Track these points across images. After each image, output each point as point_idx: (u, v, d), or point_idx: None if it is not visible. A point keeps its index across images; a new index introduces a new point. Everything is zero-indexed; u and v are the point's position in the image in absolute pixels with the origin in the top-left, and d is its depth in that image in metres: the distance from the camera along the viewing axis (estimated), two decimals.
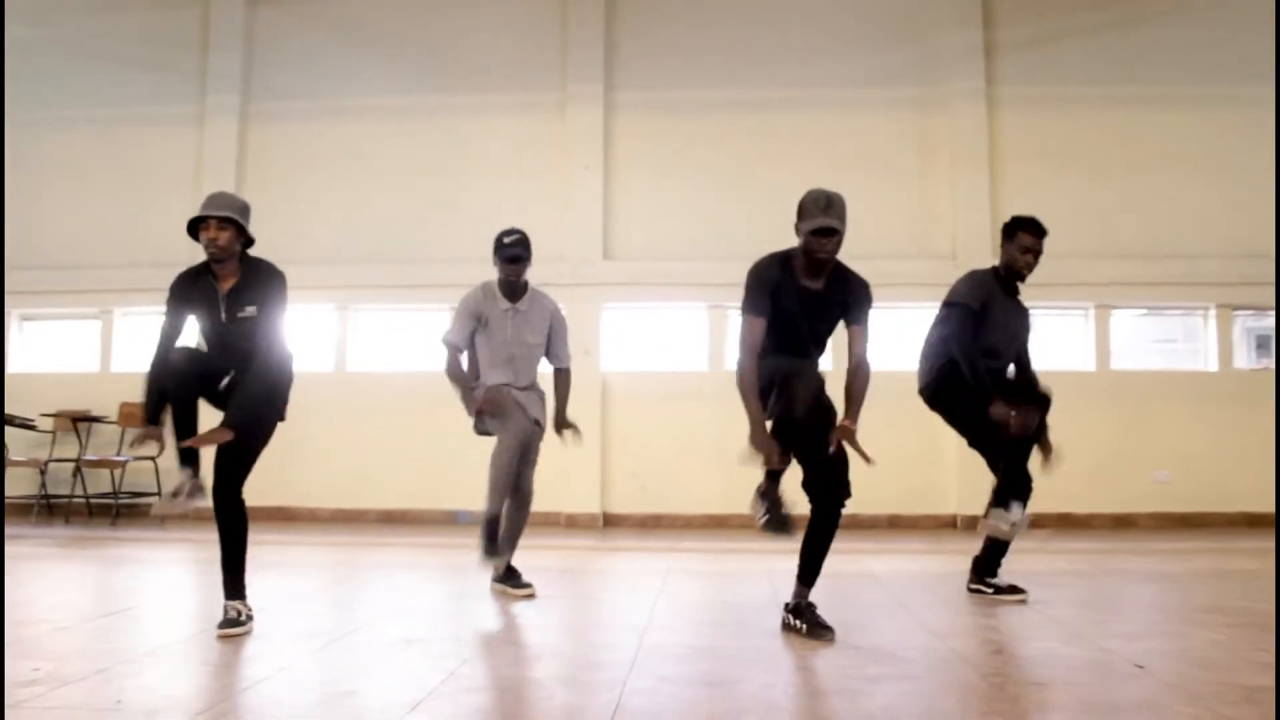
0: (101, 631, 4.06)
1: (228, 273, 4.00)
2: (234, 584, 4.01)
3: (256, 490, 9.51)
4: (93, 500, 9.45)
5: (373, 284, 9.92)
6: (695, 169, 9.66)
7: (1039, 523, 8.85)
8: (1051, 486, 8.89)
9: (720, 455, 9.12)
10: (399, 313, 10.22)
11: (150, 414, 4.03)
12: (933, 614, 4.67)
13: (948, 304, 5.16)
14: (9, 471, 9.30)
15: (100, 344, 10.21)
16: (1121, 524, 8.92)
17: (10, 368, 10.28)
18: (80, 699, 2.90)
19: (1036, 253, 5.10)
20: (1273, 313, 9.05)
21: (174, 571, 6.42)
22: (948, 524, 8.97)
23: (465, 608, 4.91)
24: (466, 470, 9.31)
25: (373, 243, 9.90)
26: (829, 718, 2.88)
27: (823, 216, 3.89)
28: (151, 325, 10.01)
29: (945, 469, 9.07)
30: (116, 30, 10.30)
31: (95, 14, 10.33)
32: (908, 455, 9.06)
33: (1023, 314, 5.22)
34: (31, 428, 9.48)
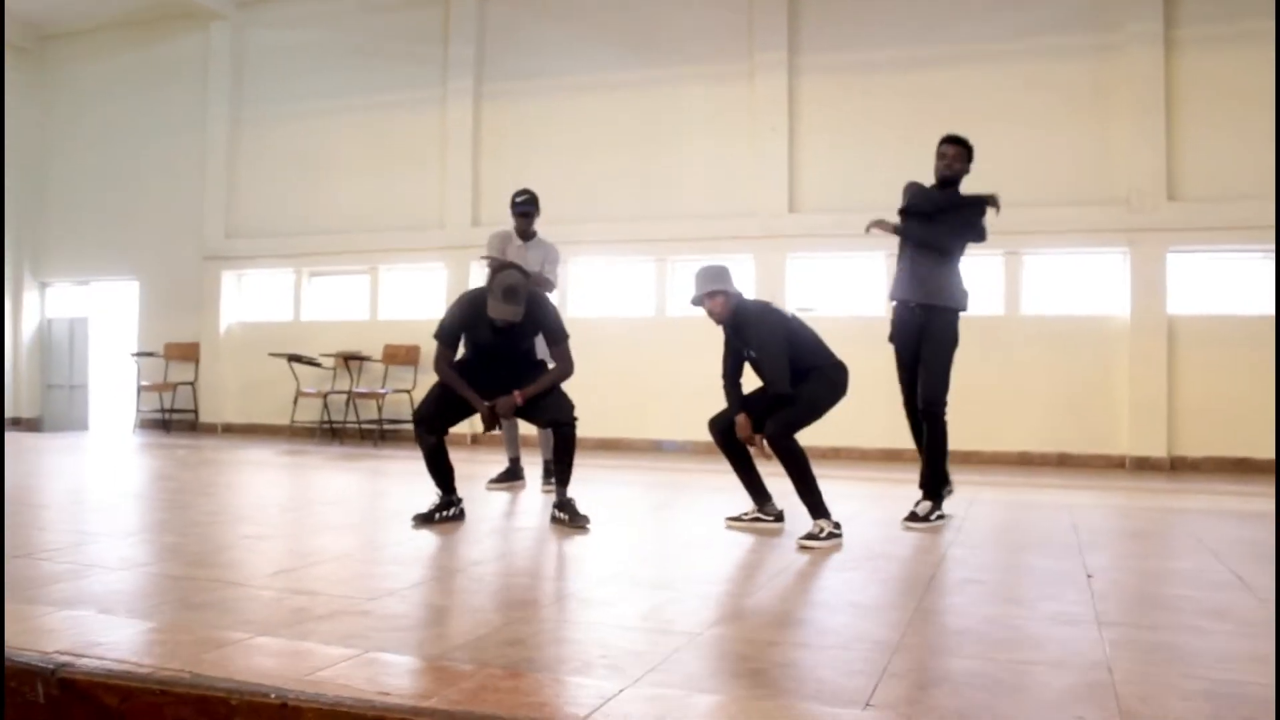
0: (312, 514, 5.52)
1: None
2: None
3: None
4: (362, 425, 11.40)
5: (588, 239, 11.15)
6: (875, 125, 10.19)
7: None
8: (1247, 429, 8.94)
9: (897, 394, 9.83)
10: (611, 264, 11.45)
11: None
12: (972, 525, 5.30)
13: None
14: (301, 401, 11.44)
15: (369, 296, 12.15)
16: None
17: (303, 316, 12.46)
18: (268, 548, 4.29)
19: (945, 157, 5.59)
20: None
21: (396, 481, 7.92)
22: (1117, 464, 9.16)
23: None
24: (669, 405, 10.55)
25: (588, 203, 11.12)
26: (788, 595, 3.76)
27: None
28: (410, 280, 11.90)
29: (1117, 409, 9.25)
30: (373, 29, 12.10)
31: (356, 16, 12.18)
32: (1077, 395, 9.34)
33: None
34: (317, 365, 11.53)
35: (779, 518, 5.17)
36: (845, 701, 2.36)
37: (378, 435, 11.16)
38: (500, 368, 5.20)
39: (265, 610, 3.19)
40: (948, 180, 5.56)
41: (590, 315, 11.32)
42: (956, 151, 5.57)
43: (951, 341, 5.44)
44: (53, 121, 13.97)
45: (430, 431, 5.13)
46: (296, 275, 12.50)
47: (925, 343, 5.44)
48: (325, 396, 11.35)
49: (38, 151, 13.95)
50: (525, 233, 6.94)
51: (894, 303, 5.66)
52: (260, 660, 2.59)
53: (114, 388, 13.82)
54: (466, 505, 5.38)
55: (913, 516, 5.34)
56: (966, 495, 6.85)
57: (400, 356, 11.50)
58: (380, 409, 11.20)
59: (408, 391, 11.31)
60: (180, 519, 5.30)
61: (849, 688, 2.47)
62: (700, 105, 10.80)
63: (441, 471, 5.19)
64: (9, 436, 11.79)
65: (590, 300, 11.48)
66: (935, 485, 5.45)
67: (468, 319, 5.16)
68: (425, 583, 3.69)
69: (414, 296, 11.98)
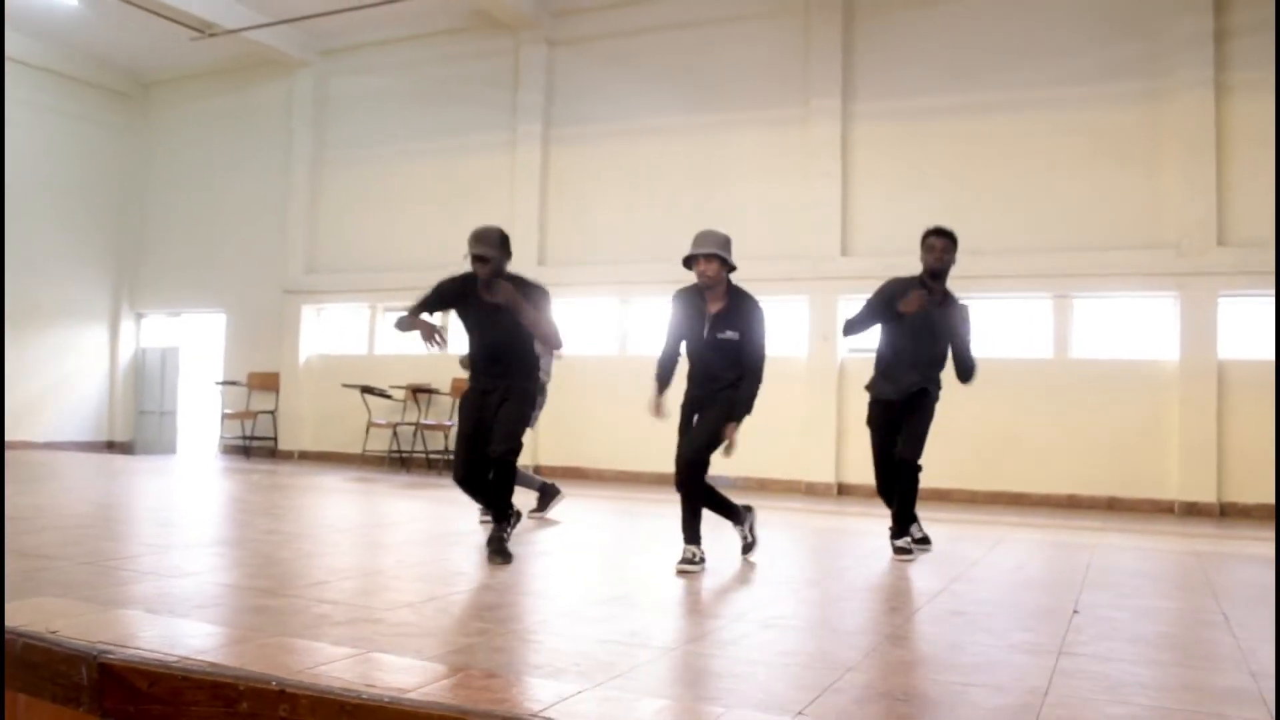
0: (362, 535, 5.93)
1: (715, 297, 5.04)
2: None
3: (556, 452, 11.47)
4: (429, 455, 11.88)
5: (648, 280, 11.49)
6: (927, 170, 10.37)
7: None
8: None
9: (946, 434, 9.97)
10: (668, 304, 11.75)
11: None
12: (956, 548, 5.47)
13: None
14: (372, 431, 11.97)
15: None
16: None
17: (376, 349, 13.04)
18: (311, 563, 4.68)
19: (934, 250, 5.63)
20: None
21: (452, 508, 8.26)
22: (1166, 510, 9.13)
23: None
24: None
25: (647, 244, 11.47)
26: (774, 618, 4.01)
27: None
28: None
29: (1166, 454, 9.23)
30: (448, 76, 12.70)
31: (432, 64, 12.80)
32: (1126, 439, 9.35)
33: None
34: (388, 397, 12.06)
35: (749, 508, 5.43)
36: (778, 710, 2.62)
37: (443, 465, 11.62)
38: (495, 348, 5.23)
39: (292, 616, 3.56)
40: (937, 272, 5.65)
41: (647, 354, 11.63)
42: (945, 244, 5.65)
43: (934, 411, 5.71)
44: (151, 162, 14.92)
45: (472, 487, 5.28)
46: (371, 310, 13.09)
47: (912, 413, 5.64)
48: (395, 427, 11.87)
49: (137, 190, 14.90)
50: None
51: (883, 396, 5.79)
52: (274, 655, 2.95)
53: (200, 414, 14.58)
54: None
55: (906, 550, 5.59)
56: (995, 535, 7.00)
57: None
58: (447, 440, 11.66)
59: None
60: (241, 536, 5.75)
61: (789, 699, 2.73)
62: (755, 149, 11.12)
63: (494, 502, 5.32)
64: (103, 459, 12.56)
65: (647, 340, 11.81)
66: (906, 520, 5.71)
67: (453, 289, 5.23)
68: (440, 597, 4.03)
69: None
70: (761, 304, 5.10)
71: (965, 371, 5.66)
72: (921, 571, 5.21)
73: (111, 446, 14.56)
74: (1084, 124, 9.77)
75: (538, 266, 11.76)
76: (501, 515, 5.21)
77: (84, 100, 14.36)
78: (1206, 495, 9.02)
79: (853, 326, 5.87)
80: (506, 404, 5.18)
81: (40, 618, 3.22)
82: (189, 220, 14.44)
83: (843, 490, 10.38)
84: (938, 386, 5.71)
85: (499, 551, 5.03)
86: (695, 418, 5.13)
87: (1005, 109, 10.11)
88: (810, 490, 10.43)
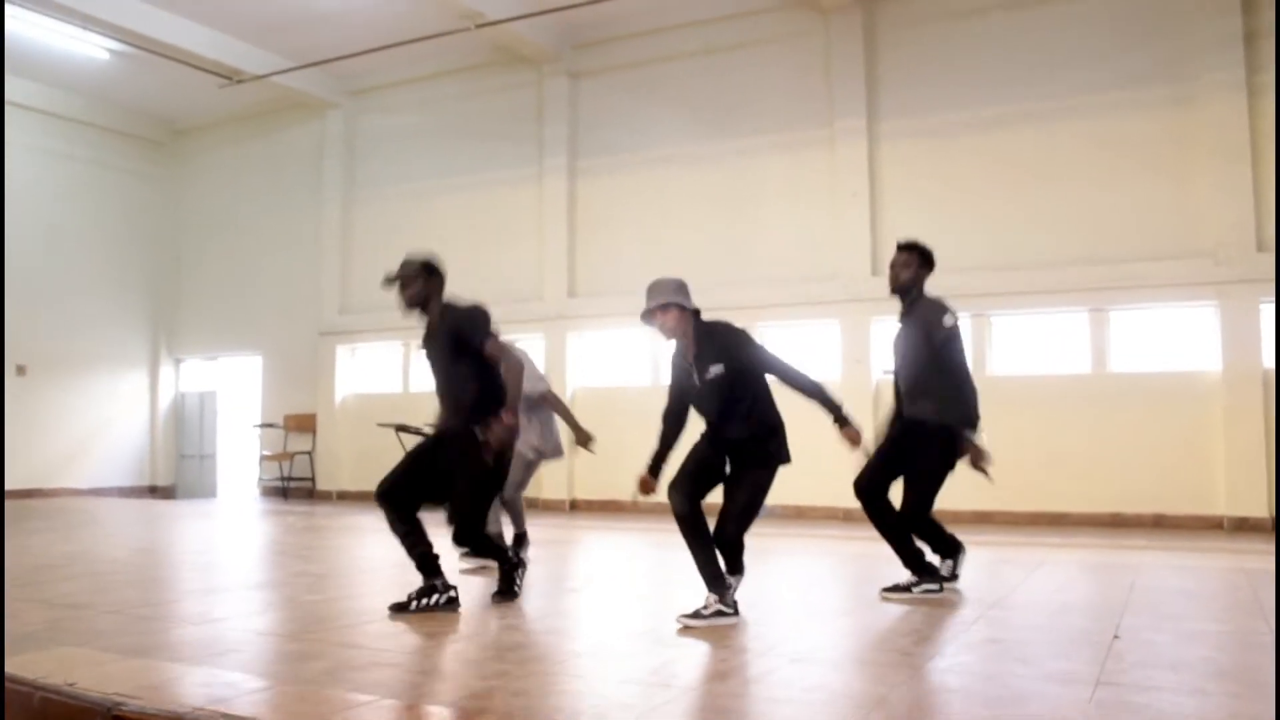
0: (388, 576, 5.89)
1: (689, 343, 4.61)
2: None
3: (592, 485, 11.40)
4: None
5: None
6: (955, 186, 10.27)
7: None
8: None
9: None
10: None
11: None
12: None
13: (950, 330, 5.06)
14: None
15: None
16: None
17: (411, 387, 13.09)
18: (337, 607, 4.64)
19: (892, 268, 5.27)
20: None
21: None
22: (1215, 525, 8.90)
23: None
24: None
25: (677, 271, 11.25)
26: (801, 651, 3.92)
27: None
28: None
29: (1213, 467, 9.01)
30: (474, 112, 12.81)
31: (458, 101, 12.92)
32: (1171, 453, 9.14)
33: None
34: (422, 434, 12.05)
35: (736, 609, 4.42)
36: None
37: None
38: (440, 386, 4.93)
39: (313, 661, 3.52)
40: (898, 290, 5.29)
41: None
42: (896, 259, 5.26)
43: (933, 465, 5.00)
44: (184, 209, 15.18)
45: (392, 507, 4.69)
46: (405, 347, 13.15)
47: (913, 458, 5.05)
48: None
49: (171, 237, 15.15)
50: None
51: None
52: (290, 704, 2.91)
53: (240, 457, 14.70)
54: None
55: (949, 577, 5.25)
56: (1036, 558, 6.84)
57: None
58: None
59: None
60: (270, 579, 5.75)
61: None
62: (782, 172, 11.07)
63: (415, 553, 4.74)
64: (144, 504, 12.68)
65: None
66: (918, 561, 5.13)
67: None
68: (465, 638, 3.98)
69: None
70: (736, 324, 4.68)
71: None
72: (958, 598, 5.09)
73: (154, 491, 14.71)
74: (1112, 133, 9.63)
75: (568, 298, 11.80)
76: (503, 558, 4.98)
77: (118, 150, 14.64)
78: (1257, 509, 8.78)
79: None
80: (458, 476, 4.66)
81: (61, 669, 3.22)
82: (223, 265, 14.65)
83: None
84: (931, 420, 4.95)
85: (503, 592, 4.87)
86: (725, 489, 4.59)
87: (1031, 121, 10.00)
88: (848, 517, 10.25)
